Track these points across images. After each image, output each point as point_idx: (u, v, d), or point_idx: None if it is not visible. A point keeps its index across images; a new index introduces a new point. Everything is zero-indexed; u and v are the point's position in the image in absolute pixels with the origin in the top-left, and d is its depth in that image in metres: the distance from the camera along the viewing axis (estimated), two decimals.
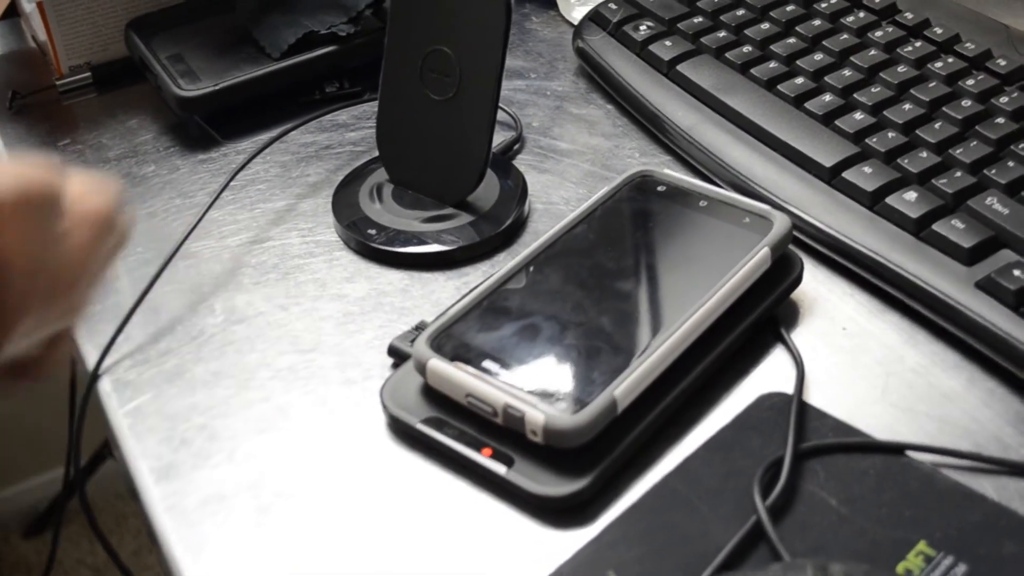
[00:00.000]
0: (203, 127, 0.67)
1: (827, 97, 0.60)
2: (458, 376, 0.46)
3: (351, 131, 0.66)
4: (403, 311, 0.54)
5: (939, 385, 0.49)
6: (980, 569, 0.41)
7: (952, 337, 0.50)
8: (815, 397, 0.48)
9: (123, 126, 0.69)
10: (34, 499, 1.73)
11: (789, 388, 0.49)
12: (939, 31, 0.63)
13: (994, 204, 0.52)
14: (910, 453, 0.46)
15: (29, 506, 1.77)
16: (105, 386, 0.51)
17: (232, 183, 0.62)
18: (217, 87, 0.66)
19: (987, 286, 0.49)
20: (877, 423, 0.47)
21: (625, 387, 0.45)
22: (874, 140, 0.57)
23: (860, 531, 0.42)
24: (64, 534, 1.74)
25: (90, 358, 0.52)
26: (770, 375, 0.50)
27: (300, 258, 0.57)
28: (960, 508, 0.43)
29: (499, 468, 0.45)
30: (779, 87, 0.61)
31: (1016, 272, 0.49)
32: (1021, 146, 0.55)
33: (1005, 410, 0.48)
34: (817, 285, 0.54)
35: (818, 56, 0.63)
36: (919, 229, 0.52)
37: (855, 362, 0.50)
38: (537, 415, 0.44)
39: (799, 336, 0.51)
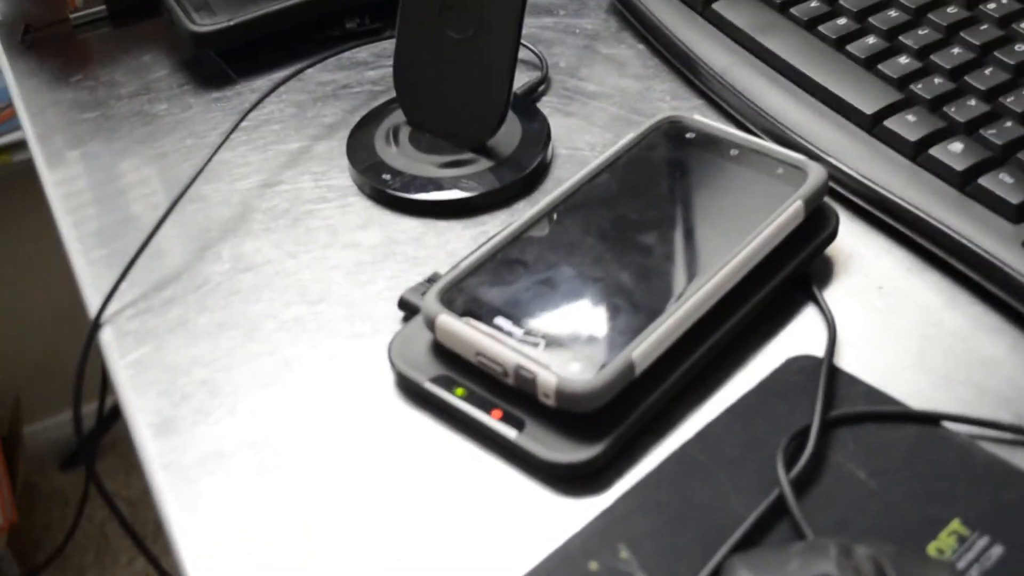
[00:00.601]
0: (218, 63, 0.65)
1: (871, 39, 0.56)
2: (468, 333, 0.43)
3: (370, 69, 0.64)
4: (416, 261, 0.52)
5: (979, 350, 0.46)
6: (1017, 551, 0.38)
7: (995, 299, 0.47)
8: (847, 360, 0.46)
9: (137, 62, 0.66)
10: (70, 431, 1.74)
11: (819, 350, 0.46)
12: None
13: None
14: (946, 424, 0.43)
15: (66, 438, 1.78)
16: (107, 335, 0.49)
17: (245, 123, 0.59)
18: (232, 22, 0.63)
19: None
20: (911, 390, 0.44)
21: (644, 349, 0.42)
22: (919, 86, 0.53)
23: (889, 507, 0.40)
24: (99, 466, 1.76)
25: (92, 305, 0.51)
26: (800, 336, 0.47)
27: (312, 203, 0.55)
28: (998, 485, 0.40)
29: (509, 432, 0.42)
30: (820, 28, 0.58)
31: None
32: None
33: None
34: (853, 240, 0.51)
35: None
36: (964, 183, 0.49)
37: (890, 324, 0.47)
38: (550, 377, 0.41)
39: (832, 295, 0.48)
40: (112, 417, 1.44)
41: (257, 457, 0.44)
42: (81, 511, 1.37)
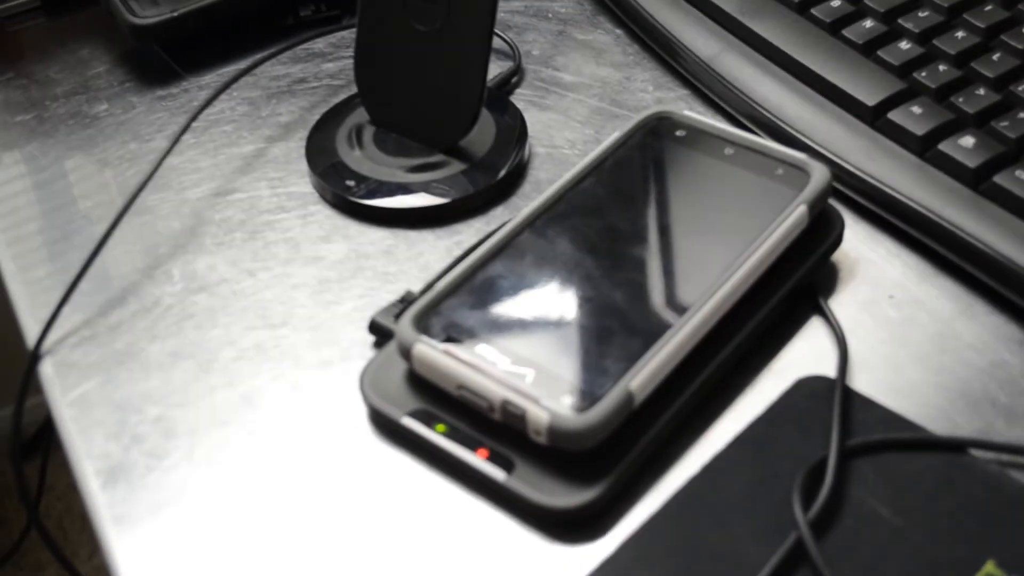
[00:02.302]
0: (163, 58, 0.60)
1: (868, 23, 0.53)
2: (448, 364, 0.39)
3: (328, 61, 0.59)
4: (387, 277, 0.47)
5: (1002, 365, 0.42)
6: None
7: (1016, 308, 0.44)
8: (860, 380, 0.42)
9: (74, 57, 0.61)
10: (23, 422, 1.68)
11: (830, 369, 0.42)
12: None
13: None
14: (972, 451, 0.39)
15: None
16: (47, 369, 0.45)
17: (194, 124, 0.55)
18: (177, 13, 0.58)
19: None
20: (932, 412, 0.41)
21: (643, 377, 0.38)
22: (923, 74, 0.50)
23: (917, 548, 0.36)
24: (55, 459, 1.70)
25: (30, 333, 0.46)
26: (807, 354, 0.43)
27: (270, 213, 0.51)
28: None
29: (497, 473, 0.38)
30: (813, 11, 0.54)
31: None
32: None
33: None
34: (859, 244, 0.47)
35: None
36: (978, 181, 0.46)
37: (904, 338, 0.44)
38: (541, 413, 0.37)
39: (839, 306, 0.45)
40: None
41: (218, 506, 0.39)
42: (37, 506, 1.32)
